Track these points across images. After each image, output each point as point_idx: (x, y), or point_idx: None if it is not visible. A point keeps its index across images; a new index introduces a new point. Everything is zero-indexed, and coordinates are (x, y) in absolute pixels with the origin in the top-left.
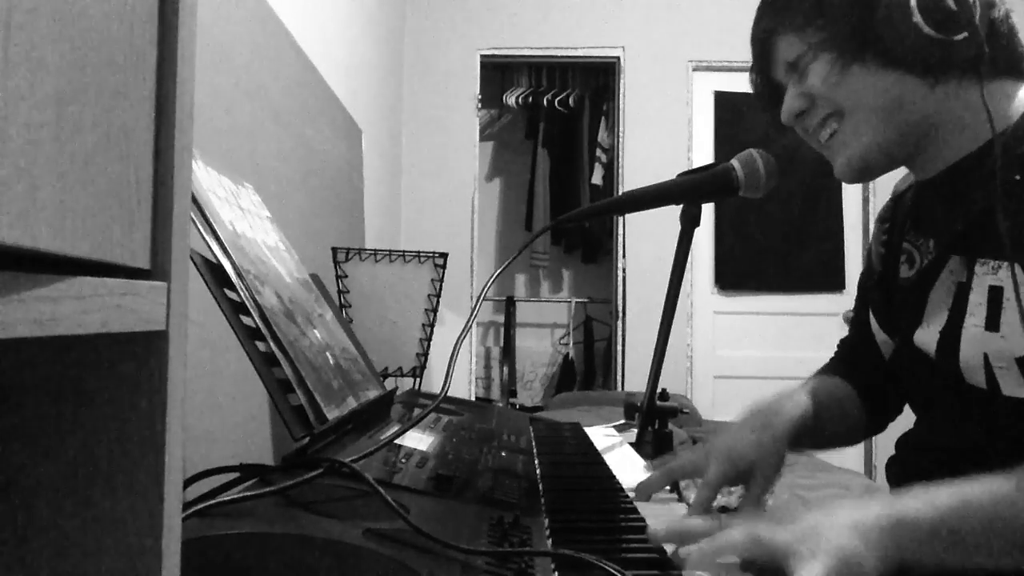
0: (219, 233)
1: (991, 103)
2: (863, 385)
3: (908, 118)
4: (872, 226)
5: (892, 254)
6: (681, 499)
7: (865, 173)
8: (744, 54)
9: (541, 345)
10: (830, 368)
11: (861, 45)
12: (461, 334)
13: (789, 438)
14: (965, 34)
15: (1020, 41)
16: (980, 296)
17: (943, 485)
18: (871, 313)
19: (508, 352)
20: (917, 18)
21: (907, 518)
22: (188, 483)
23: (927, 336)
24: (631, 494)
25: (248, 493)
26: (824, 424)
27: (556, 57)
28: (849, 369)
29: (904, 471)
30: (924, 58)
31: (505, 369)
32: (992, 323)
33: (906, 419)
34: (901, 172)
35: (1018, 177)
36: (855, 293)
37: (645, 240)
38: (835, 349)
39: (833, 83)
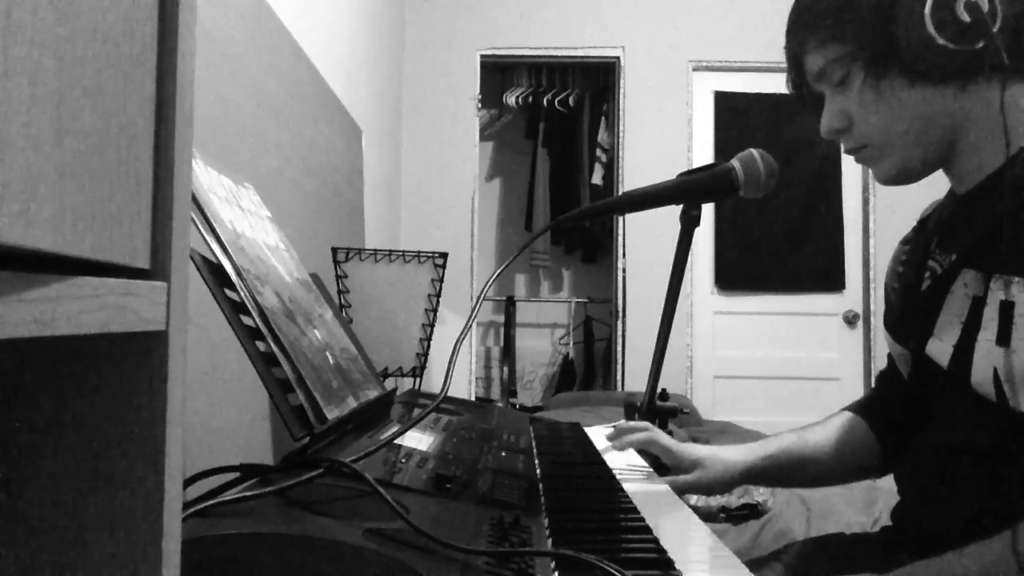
0: (219, 233)
1: (1017, 110)
2: (882, 420)
3: (939, 128)
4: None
5: (914, 270)
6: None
7: (904, 180)
8: (744, 54)
9: (541, 345)
10: (855, 405)
11: (885, 63)
12: (461, 334)
13: (745, 467)
14: (982, 43)
15: None
16: (993, 311)
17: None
18: (884, 326)
19: (508, 352)
20: (931, 32)
21: None
22: (188, 483)
23: (940, 348)
24: (631, 494)
25: (248, 493)
26: (804, 465)
27: (556, 57)
28: (871, 406)
29: (914, 469)
30: (946, 70)
31: (505, 369)
32: (1003, 338)
33: None
34: (925, 197)
35: None
36: (855, 293)
37: (645, 240)
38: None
39: (870, 103)
